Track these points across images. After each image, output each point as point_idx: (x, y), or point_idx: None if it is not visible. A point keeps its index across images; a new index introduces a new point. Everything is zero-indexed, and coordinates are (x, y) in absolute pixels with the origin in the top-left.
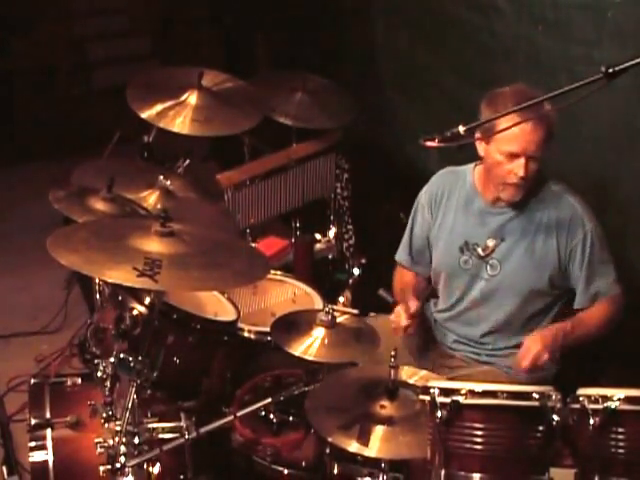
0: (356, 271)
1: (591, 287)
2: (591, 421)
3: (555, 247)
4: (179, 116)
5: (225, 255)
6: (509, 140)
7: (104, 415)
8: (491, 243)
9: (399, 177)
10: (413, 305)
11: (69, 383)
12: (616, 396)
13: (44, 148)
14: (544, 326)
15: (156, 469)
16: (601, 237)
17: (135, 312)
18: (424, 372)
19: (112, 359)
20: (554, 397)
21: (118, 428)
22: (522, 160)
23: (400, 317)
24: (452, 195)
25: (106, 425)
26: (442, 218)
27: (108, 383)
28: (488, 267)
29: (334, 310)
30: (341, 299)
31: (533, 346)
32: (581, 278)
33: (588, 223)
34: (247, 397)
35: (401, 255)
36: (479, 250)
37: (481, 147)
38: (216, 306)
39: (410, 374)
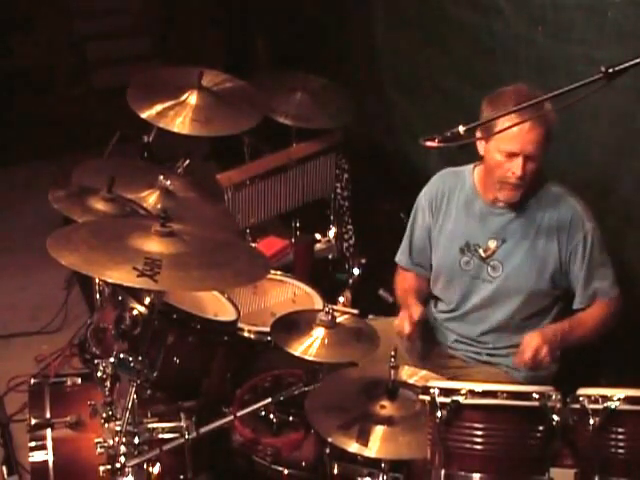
0: (356, 271)
1: (590, 287)
2: (591, 421)
3: (556, 248)
4: (179, 116)
5: (225, 255)
6: (508, 139)
7: (104, 415)
8: (492, 244)
9: (399, 177)
10: (416, 312)
11: (69, 383)
12: (616, 396)
13: (44, 148)
14: (544, 325)
15: (156, 469)
16: (600, 239)
17: (135, 312)
18: (424, 372)
19: (112, 359)
20: (554, 397)
21: (118, 428)
22: (520, 159)
23: (403, 324)
24: (452, 196)
25: (106, 425)
26: (443, 219)
27: (108, 383)
28: (489, 268)
29: (334, 310)
30: (341, 299)
31: (533, 341)
32: (580, 278)
33: (588, 224)
34: (247, 397)
35: (401, 258)
36: (480, 251)
37: (481, 146)
38: (216, 306)
39: (410, 374)
